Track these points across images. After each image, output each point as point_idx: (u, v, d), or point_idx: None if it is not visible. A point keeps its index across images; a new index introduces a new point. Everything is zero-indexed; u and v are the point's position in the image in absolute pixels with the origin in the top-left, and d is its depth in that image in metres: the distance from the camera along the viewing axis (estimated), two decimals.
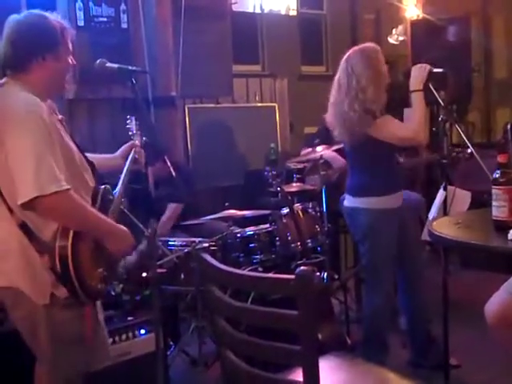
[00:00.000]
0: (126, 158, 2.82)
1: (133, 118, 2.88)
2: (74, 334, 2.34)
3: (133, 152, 2.82)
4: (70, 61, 2.46)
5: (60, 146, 2.27)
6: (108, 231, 2.40)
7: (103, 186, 2.53)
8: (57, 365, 2.36)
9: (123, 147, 2.88)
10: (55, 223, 2.24)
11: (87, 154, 2.55)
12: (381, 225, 3.43)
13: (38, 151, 2.16)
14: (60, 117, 2.48)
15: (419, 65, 3.40)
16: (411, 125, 3.37)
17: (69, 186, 2.20)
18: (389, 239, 3.46)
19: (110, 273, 2.48)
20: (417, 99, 3.35)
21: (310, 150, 4.61)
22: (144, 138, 2.86)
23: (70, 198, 2.21)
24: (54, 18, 2.41)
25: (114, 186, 2.67)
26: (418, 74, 3.36)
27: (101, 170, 2.61)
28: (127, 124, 2.88)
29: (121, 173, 2.74)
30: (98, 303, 2.52)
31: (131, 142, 2.87)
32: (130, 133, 2.87)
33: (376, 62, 3.41)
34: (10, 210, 2.25)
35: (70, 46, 2.45)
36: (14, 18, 2.36)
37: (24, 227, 2.25)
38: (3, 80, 2.34)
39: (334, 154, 4.50)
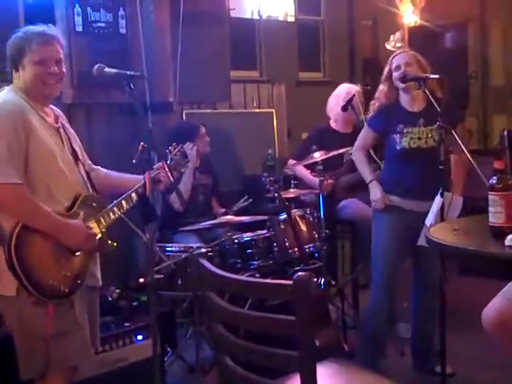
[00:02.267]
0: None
1: (154, 153, 2.93)
2: (41, 329, 2.46)
3: (142, 182, 2.80)
4: (38, 69, 2.59)
5: (35, 149, 2.46)
6: (57, 227, 2.50)
7: (84, 194, 2.66)
8: (27, 359, 2.50)
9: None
10: (8, 214, 2.41)
11: (119, 174, 2.92)
12: (378, 218, 3.63)
13: None
14: (58, 126, 2.66)
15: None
16: (357, 150, 3.77)
17: (18, 181, 2.38)
18: (386, 234, 3.56)
19: (81, 278, 2.58)
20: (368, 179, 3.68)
21: (294, 162, 4.63)
22: (142, 143, 2.86)
23: (15, 190, 2.40)
24: (31, 33, 2.61)
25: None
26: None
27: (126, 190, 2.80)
28: (146, 156, 2.81)
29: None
30: (78, 305, 2.58)
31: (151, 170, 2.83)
32: (146, 165, 2.79)
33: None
34: None
35: (42, 56, 2.59)
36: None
37: None
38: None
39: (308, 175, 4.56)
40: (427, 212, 3.41)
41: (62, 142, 2.65)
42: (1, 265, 2.41)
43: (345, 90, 4.71)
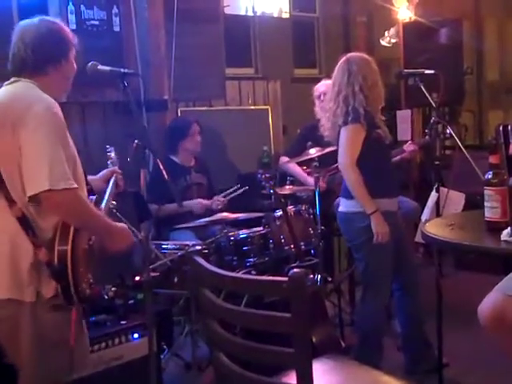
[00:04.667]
0: (107, 182, 2.86)
1: (112, 149, 2.96)
2: (58, 337, 2.32)
3: (114, 177, 2.85)
4: (75, 64, 2.56)
5: (69, 151, 2.34)
6: (109, 230, 2.45)
7: (95, 196, 2.60)
8: (37, 368, 2.33)
9: (104, 171, 2.91)
10: (53, 218, 2.27)
11: None
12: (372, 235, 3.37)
13: (53, 147, 2.22)
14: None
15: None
16: (348, 159, 3.32)
17: (77, 186, 2.27)
18: (384, 250, 3.40)
19: (95, 281, 2.49)
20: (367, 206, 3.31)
21: (287, 159, 4.63)
22: (136, 141, 2.85)
23: (76, 196, 2.27)
24: (62, 24, 2.54)
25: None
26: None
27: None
28: (107, 152, 2.95)
29: (103, 193, 2.78)
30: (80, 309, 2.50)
31: (112, 167, 2.90)
32: (109, 161, 2.92)
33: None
34: (10, 202, 2.27)
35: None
36: (27, 23, 2.45)
37: (22, 219, 2.26)
38: (14, 79, 2.41)
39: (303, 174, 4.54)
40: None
41: None
42: (22, 268, 2.26)
43: (321, 85, 4.71)
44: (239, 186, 4.45)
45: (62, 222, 2.27)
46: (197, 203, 4.33)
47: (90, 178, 2.85)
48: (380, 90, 3.44)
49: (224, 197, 4.45)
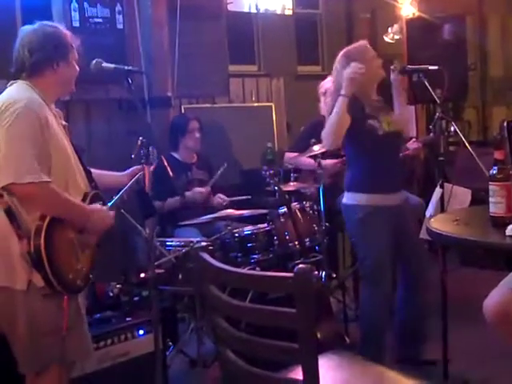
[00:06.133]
0: (132, 178, 2.93)
1: (152, 148, 2.91)
2: (51, 324, 2.44)
3: (140, 174, 2.90)
4: (77, 67, 2.64)
5: (55, 148, 2.46)
6: (85, 215, 2.54)
7: (93, 192, 2.67)
8: (32, 354, 2.45)
9: (133, 168, 2.97)
10: (35, 210, 2.39)
11: (98, 171, 2.85)
12: (371, 222, 3.43)
13: (22, 144, 2.35)
14: (64, 123, 2.66)
15: (353, 68, 3.32)
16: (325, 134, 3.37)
17: (47, 179, 2.37)
18: (381, 237, 3.43)
19: (91, 272, 2.60)
20: (338, 103, 3.30)
21: (295, 154, 4.62)
22: (141, 138, 2.86)
23: (44, 188, 2.38)
24: (63, 28, 2.65)
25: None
26: (349, 78, 3.31)
27: (108, 186, 2.87)
28: (143, 150, 2.89)
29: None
30: (81, 299, 2.60)
31: (142, 165, 2.91)
32: (144, 159, 2.90)
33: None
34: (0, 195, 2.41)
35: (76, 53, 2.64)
36: (28, 27, 2.58)
37: (8, 211, 2.39)
38: (14, 81, 2.54)
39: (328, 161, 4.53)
40: (404, 202, 3.45)
41: (67, 139, 2.64)
42: (13, 258, 2.39)
43: (329, 82, 4.71)
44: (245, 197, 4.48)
45: (40, 214, 2.39)
46: (197, 192, 4.33)
47: (116, 174, 2.99)
48: (372, 74, 3.43)
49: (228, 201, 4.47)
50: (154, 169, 2.98)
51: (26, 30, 2.57)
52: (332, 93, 3.52)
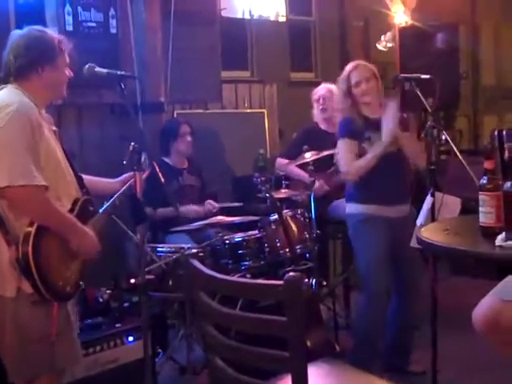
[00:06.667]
0: (124, 185, 2.94)
1: (144, 154, 2.89)
2: (40, 331, 2.42)
3: (132, 180, 2.88)
4: (66, 72, 2.64)
5: (45, 151, 2.45)
6: (71, 228, 2.51)
7: (84, 197, 2.66)
8: (21, 361, 2.44)
9: (126, 175, 2.96)
10: (24, 216, 2.38)
11: (90, 177, 2.85)
12: (365, 228, 3.56)
13: (17, 146, 2.34)
14: (54, 128, 2.66)
15: (391, 115, 3.43)
16: (351, 164, 3.52)
17: (42, 183, 2.36)
18: (375, 243, 3.52)
19: (81, 278, 2.60)
20: (378, 147, 3.42)
21: (286, 161, 4.63)
22: (133, 144, 2.85)
23: (37, 192, 2.36)
24: (53, 32, 2.64)
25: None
26: (391, 127, 3.42)
27: (100, 192, 2.86)
28: (137, 157, 2.85)
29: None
30: (71, 305, 2.59)
31: (134, 172, 2.87)
32: (135, 165, 2.86)
33: None
34: None
35: (67, 58, 2.64)
36: (16, 32, 2.59)
37: None
38: (3, 85, 2.54)
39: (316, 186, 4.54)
40: (406, 216, 3.48)
41: (58, 144, 2.64)
42: (2, 264, 2.38)
43: (323, 89, 4.72)
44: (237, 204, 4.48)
45: (30, 221, 2.37)
46: (192, 210, 4.32)
47: (109, 180, 2.99)
48: (358, 92, 3.54)
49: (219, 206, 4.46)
50: (147, 176, 2.97)
51: (14, 34, 2.57)
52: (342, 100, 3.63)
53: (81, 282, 2.59)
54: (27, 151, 2.35)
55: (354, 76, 3.57)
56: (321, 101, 4.67)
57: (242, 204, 4.50)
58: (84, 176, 2.78)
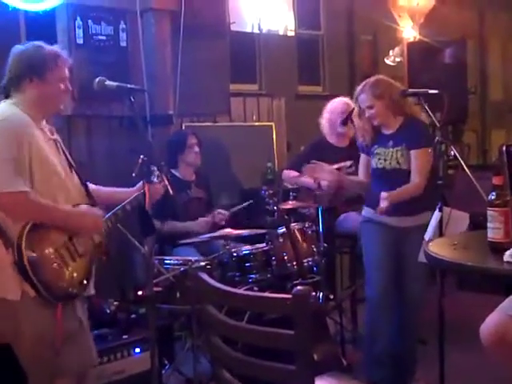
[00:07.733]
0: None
1: (156, 166, 2.97)
2: (45, 333, 2.45)
3: (141, 192, 2.92)
4: (61, 86, 2.67)
5: (39, 163, 2.51)
6: (67, 216, 2.57)
7: (84, 203, 2.70)
8: (32, 365, 2.47)
9: (140, 184, 2.98)
10: (20, 219, 2.43)
11: (109, 188, 2.98)
12: (363, 232, 3.74)
13: (1, 156, 2.42)
14: (55, 137, 2.71)
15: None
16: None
17: (26, 189, 2.42)
18: (369, 247, 3.66)
19: (88, 278, 2.63)
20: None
21: (295, 173, 4.58)
22: (142, 156, 2.87)
23: (20, 197, 2.42)
24: (52, 48, 2.69)
25: None
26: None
27: (119, 202, 2.89)
28: (146, 169, 2.93)
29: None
30: (79, 307, 2.61)
31: (143, 183, 2.92)
32: (146, 178, 2.92)
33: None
34: None
35: (66, 72, 2.69)
36: (16, 48, 2.68)
37: None
38: (4, 100, 2.64)
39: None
40: (410, 227, 3.51)
41: (59, 153, 2.69)
42: (5, 268, 2.42)
43: (341, 103, 4.69)
44: (247, 203, 4.49)
45: (24, 223, 2.42)
46: (203, 222, 4.33)
47: (120, 190, 3.03)
48: (367, 116, 3.62)
49: (229, 213, 4.47)
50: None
51: (13, 50, 2.67)
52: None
53: (85, 282, 2.60)
54: (11, 161, 2.41)
55: (359, 101, 3.65)
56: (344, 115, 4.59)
57: (251, 201, 4.48)
58: (104, 188, 2.87)
